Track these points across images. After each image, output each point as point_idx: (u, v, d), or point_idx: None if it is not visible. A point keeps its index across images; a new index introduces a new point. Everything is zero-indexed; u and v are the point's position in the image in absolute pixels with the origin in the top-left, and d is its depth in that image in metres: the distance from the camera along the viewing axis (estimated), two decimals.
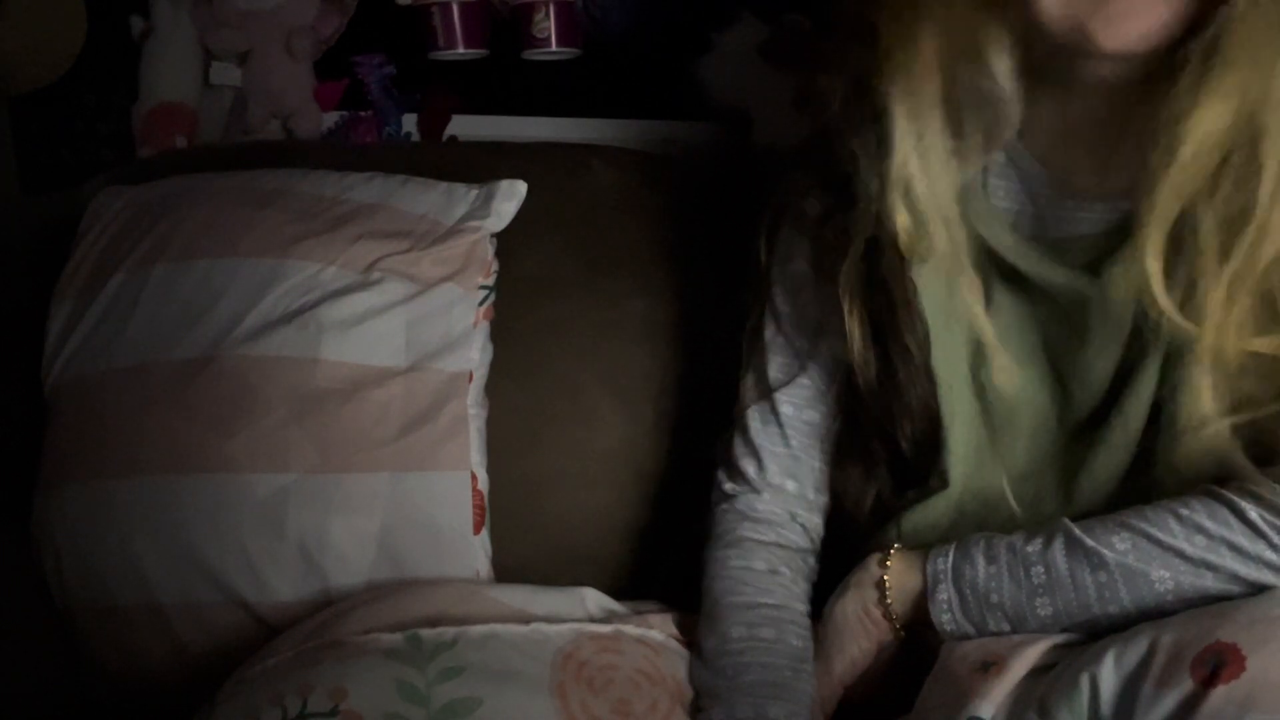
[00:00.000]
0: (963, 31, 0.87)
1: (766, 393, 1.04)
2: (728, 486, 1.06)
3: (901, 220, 0.91)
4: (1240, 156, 0.82)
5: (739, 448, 1.06)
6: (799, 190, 1.03)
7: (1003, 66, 0.87)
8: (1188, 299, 0.84)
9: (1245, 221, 0.82)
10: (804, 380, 1.04)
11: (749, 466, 1.05)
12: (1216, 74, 0.81)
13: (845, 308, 0.96)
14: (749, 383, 1.07)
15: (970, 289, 0.92)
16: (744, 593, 1.00)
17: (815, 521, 1.06)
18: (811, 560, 1.05)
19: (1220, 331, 0.83)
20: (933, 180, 0.90)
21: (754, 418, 1.05)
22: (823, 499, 1.06)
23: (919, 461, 0.98)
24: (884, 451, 1.01)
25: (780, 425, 1.04)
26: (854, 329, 0.96)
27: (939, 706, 0.86)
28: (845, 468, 1.04)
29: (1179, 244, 0.84)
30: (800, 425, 1.04)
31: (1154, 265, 0.84)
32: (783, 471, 1.04)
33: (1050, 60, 0.87)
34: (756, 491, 1.05)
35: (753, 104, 1.46)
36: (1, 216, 1.52)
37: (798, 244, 1.03)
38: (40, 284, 1.26)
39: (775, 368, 1.05)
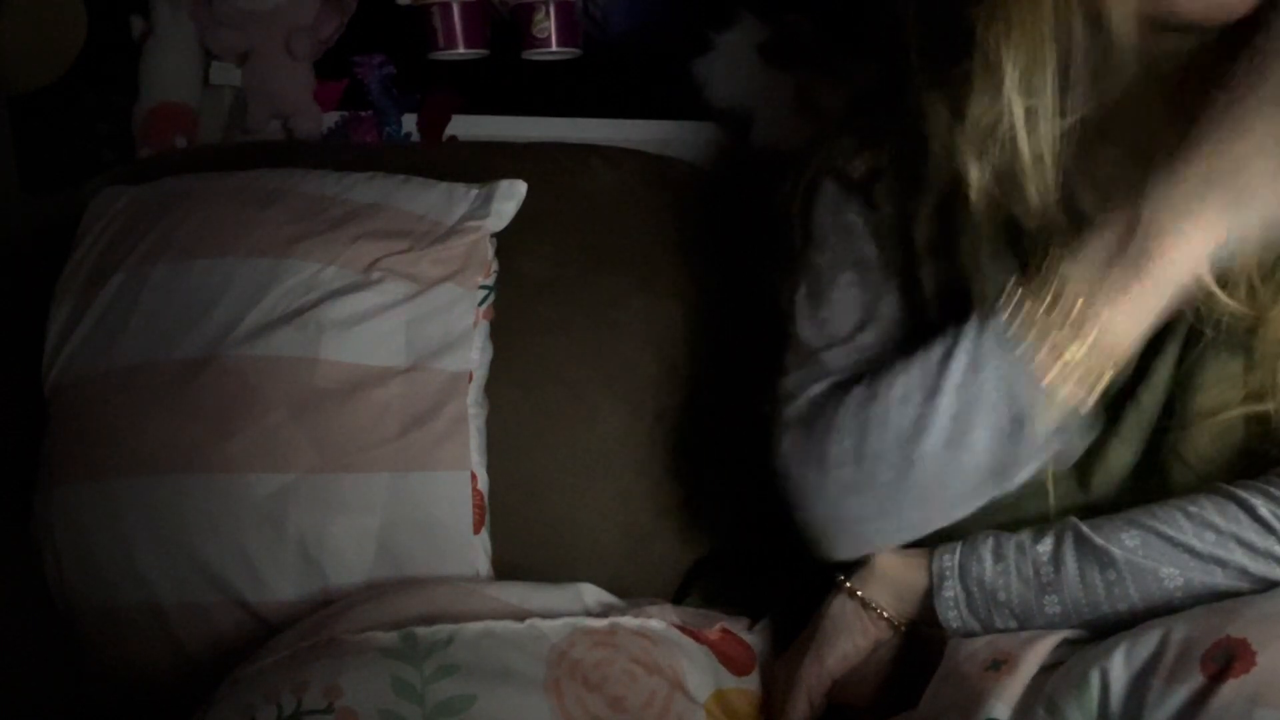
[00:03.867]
0: None
1: (845, 334, 1.00)
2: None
3: (976, 177, 0.90)
4: None
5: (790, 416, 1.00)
6: (842, 154, 1.02)
7: (1124, 20, 0.85)
8: (1247, 285, 0.85)
9: None
10: (860, 339, 1.00)
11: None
12: None
13: (920, 264, 0.95)
14: (808, 330, 1.02)
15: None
16: None
17: None
18: None
19: None
20: (1036, 135, 0.88)
21: (838, 357, 1.00)
22: None
23: None
24: None
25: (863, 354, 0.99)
26: (927, 282, 0.96)
27: (951, 707, 0.86)
28: None
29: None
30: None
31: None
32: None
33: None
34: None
35: (753, 104, 1.46)
36: (1, 216, 1.52)
37: (846, 201, 1.02)
38: (40, 284, 1.26)
39: (843, 310, 1.01)
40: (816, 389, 0.98)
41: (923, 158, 0.93)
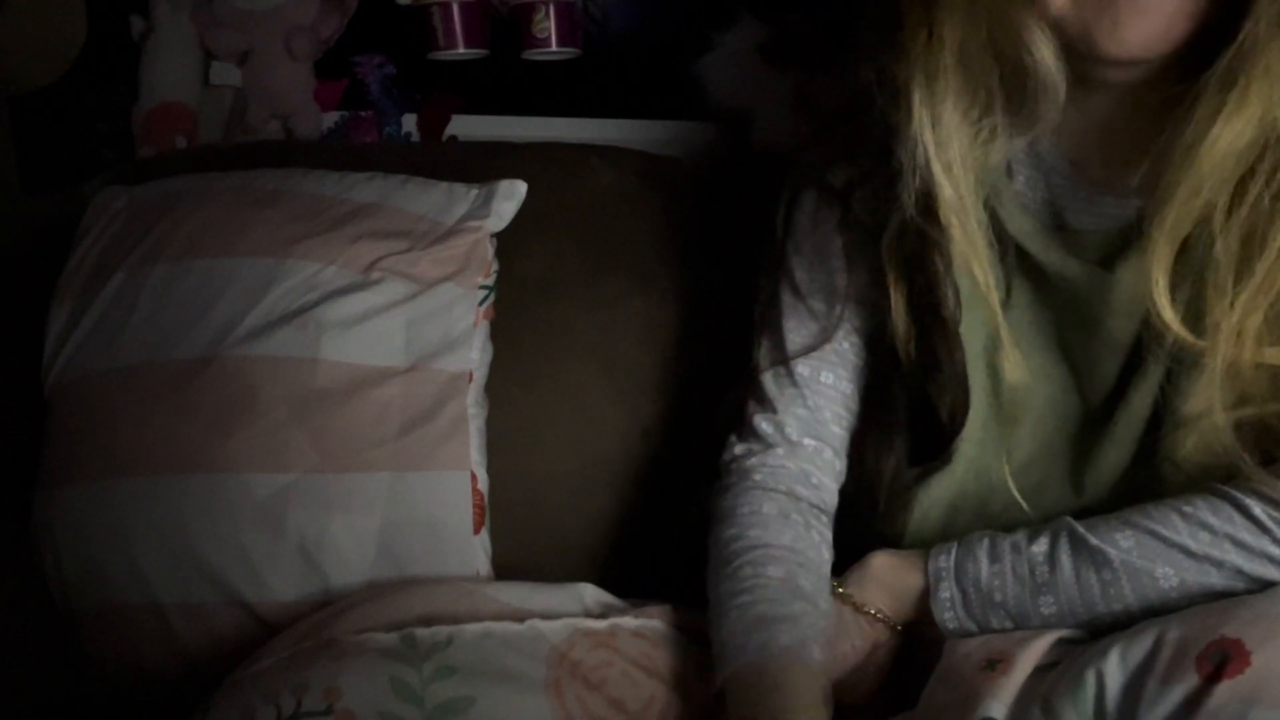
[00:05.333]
0: (991, 18, 0.85)
1: (783, 358, 1.02)
2: (739, 448, 1.04)
3: (917, 200, 0.90)
4: (1260, 178, 0.82)
5: (754, 408, 1.03)
6: (823, 162, 1.02)
7: (1044, 49, 0.85)
8: (1198, 311, 0.85)
9: (1264, 243, 0.82)
10: (826, 346, 1.01)
11: (765, 424, 1.02)
12: (1236, 98, 0.80)
13: (889, 277, 0.95)
14: (764, 348, 1.04)
15: (985, 275, 0.91)
16: (751, 536, 0.98)
17: (830, 486, 1.02)
18: (825, 520, 1.02)
19: (1234, 344, 0.83)
20: (948, 166, 0.89)
21: (770, 380, 1.03)
22: (840, 464, 1.03)
23: (953, 434, 0.95)
24: (907, 420, 0.98)
25: (798, 385, 1.01)
26: (896, 298, 0.95)
27: (947, 707, 0.86)
28: (869, 432, 1.01)
29: (1191, 256, 0.84)
30: (819, 387, 1.01)
31: (1160, 282, 0.84)
32: (801, 429, 1.01)
33: (1067, 57, 0.86)
34: (772, 447, 1.02)
35: (753, 104, 1.45)
36: (1, 216, 1.52)
37: (825, 213, 1.02)
38: (40, 284, 1.26)
39: (793, 333, 1.02)
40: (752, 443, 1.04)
41: (897, 169, 0.92)
